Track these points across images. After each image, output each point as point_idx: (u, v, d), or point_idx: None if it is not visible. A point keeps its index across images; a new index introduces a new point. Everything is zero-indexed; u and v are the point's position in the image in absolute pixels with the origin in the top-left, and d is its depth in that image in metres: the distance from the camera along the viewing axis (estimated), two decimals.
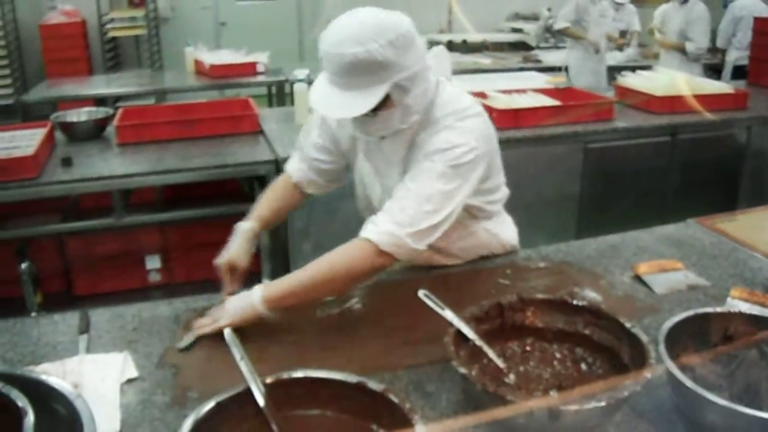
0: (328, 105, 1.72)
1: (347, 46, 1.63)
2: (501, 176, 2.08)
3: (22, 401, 1.14)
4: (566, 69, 6.76)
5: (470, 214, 2.00)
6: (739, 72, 6.58)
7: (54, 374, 1.51)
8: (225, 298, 1.83)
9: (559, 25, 6.50)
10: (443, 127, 1.79)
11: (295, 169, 2.14)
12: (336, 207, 3.30)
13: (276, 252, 3.55)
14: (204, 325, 1.75)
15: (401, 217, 1.71)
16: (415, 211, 1.71)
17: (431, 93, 1.84)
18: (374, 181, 2.02)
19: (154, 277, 3.89)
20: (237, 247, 1.96)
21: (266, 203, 2.11)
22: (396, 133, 1.85)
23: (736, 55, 6.87)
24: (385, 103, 1.70)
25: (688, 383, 1.29)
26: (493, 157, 1.94)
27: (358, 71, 1.64)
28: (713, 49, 7.12)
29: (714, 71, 6.98)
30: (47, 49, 7.46)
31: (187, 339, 1.73)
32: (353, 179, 2.14)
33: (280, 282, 1.75)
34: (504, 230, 2.21)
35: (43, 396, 1.23)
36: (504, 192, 2.13)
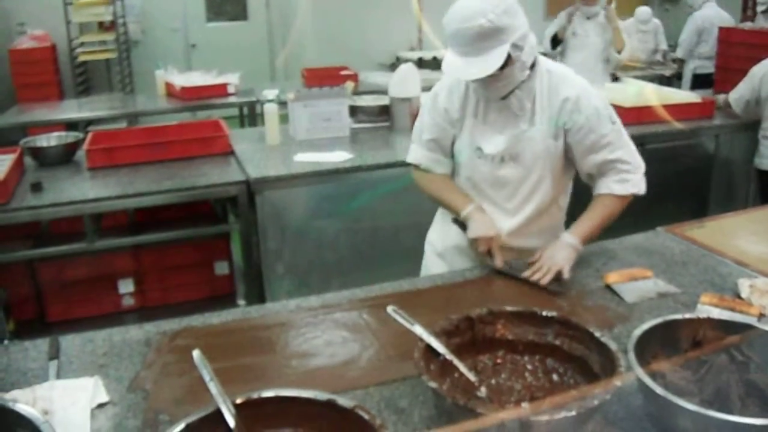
0: (463, 71, 2.05)
1: (472, 20, 1.95)
2: None
3: None
4: None
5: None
6: (698, 81, 6.66)
7: (24, 401, 1.50)
8: (502, 263, 2.21)
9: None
10: (576, 83, 2.21)
11: (419, 156, 2.42)
12: (308, 229, 3.30)
13: (249, 274, 3.53)
14: (543, 276, 2.11)
15: (629, 167, 2.25)
16: (632, 155, 2.27)
17: (536, 47, 2.17)
18: (493, 136, 2.26)
19: (128, 301, 3.84)
20: (490, 222, 2.27)
21: (453, 189, 2.39)
22: (519, 88, 2.17)
23: (696, 64, 6.95)
24: (507, 61, 2.01)
25: (658, 390, 1.30)
26: None
27: (483, 38, 1.96)
28: (678, 60, 7.24)
29: (667, 80, 7.11)
30: (17, 74, 7.41)
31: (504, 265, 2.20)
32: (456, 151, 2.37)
33: (581, 226, 2.24)
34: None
35: (10, 423, 1.22)
36: None
